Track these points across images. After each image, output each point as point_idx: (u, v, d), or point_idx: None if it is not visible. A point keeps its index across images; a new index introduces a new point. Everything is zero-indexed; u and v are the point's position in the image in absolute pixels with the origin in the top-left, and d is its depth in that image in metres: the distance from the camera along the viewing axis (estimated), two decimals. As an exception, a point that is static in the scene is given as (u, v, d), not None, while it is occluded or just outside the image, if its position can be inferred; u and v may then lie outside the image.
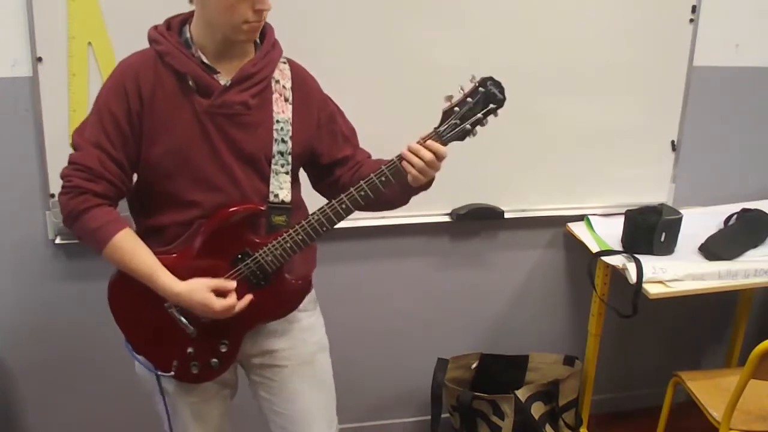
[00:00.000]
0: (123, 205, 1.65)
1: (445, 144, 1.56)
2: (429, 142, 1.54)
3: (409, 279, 2.58)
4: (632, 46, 2.42)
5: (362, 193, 1.57)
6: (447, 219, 2.48)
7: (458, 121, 1.56)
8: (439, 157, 1.55)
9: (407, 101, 2.24)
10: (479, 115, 1.56)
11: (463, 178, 2.41)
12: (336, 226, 1.61)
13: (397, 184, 1.58)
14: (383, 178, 1.56)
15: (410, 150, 1.54)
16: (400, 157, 1.55)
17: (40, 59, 2.04)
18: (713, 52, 2.50)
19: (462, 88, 1.57)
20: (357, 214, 2.06)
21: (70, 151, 1.57)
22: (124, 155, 1.55)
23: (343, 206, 1.58)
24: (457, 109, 1.56)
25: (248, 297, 1.59)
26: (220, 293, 1.55)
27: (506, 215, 2.50)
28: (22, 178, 2.17)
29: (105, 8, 2.03)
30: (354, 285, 2.53)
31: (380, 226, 2.39)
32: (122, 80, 1.54)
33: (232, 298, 1.56)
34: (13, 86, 2.08)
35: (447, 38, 2.28)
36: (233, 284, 1.57)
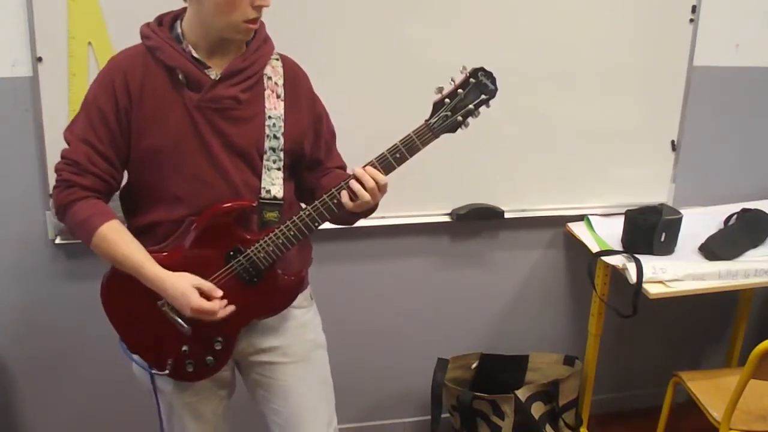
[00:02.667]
0: (117, 206, 1.65)
1: (436, 136, 1.56)
2: (371, 170, 1.54)
3: (409, 279, 2.57)
4: (632, 46, 2.42)
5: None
6: (447, 219, 2.47)
7: (449, 113, 1.55)
8: (381, 188, 1.55)
9: (402, 99, 2.23)
10: (471, 106, 1.55)
11: (463, 178, 2.41)
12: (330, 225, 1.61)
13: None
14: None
15: (355, 176, 1.54)
16: (342, 186, 1.55)
17: (40, 59, 2.04)
18: (713, 52, 2.50)
19: (453, 80, 1.56)
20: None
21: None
22: (113, 150, 1.55)
23: (335, 201, 1.57)
24: (448, 100, 1.55)
25: (230, 307, 1.58)
26: (205, 295, 1.54)
27: (506, 215, 2.50)
28: (22, 178, 2.17)
29: (105, 8, 2.03)
30: (354, 285, 2.53)
31: (380, 226, 2.39)
32: (110, 77, 1.54)
33: (213, 303, 1.54)
34: (13, 86, 2.08)
35: (445, 38, 2.27)
36: (220, 292, 1.56)
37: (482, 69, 1.56)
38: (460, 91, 1.55)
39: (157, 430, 1.79)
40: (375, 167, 1.56)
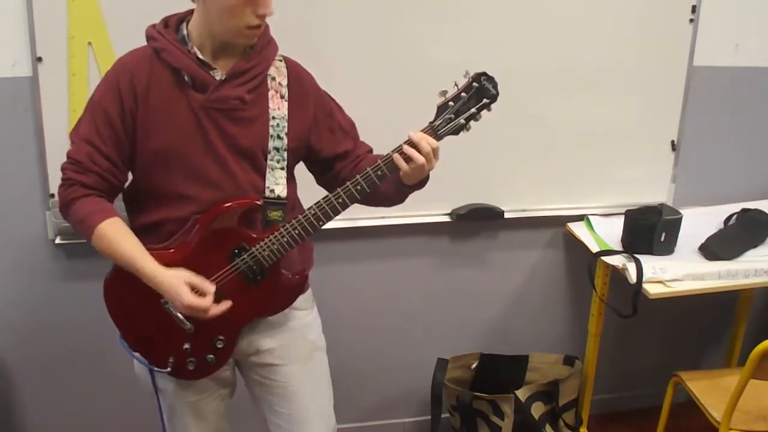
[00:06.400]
0: (121, 206, 1.66)
1: (439, 139, 1.58)
2: (425, 135, 1.56)
3: (409, 279, 2.58)
4: (632, 46, 2.42)
5: (358, 187, 1.58)
6: (447, 219, 2.48)
7: (453, 116, 1.58)
8: (435, 152, 1.56)
9: (404, 98, 2.24)
10: (473, 109, 1.58)
11: (463, 178, 2.41)
12: (333, 222, 1.61)
13: (393, 179, 1.59)
14: (379, 172, 1.57)
15: (410, 142, 1.55)
16: (396, 150, 1.56)
17: (40, 59, 2.04)
18: (713, 52, 2.50)
19: (456, 84, 1.59)
20: (357, 213, 2.06)
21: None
22: (115, 151, 1.56)
23: (340, 200, 1.58)
24: (451, 104, 1.58)
25: (226, 303, 1.57)
26: (198, 291, 1.54)
27: (506, 215, 2.50)
28: (22, 178, 2.17)
29: (105, 8, 2.03)
30: (354, 285, 2.53)
31: (380, 226, 2.39)
32: (116, 78, 1.56)
33: (206, 300, 1.53)
34: (13, 86, 2.08)
35: (446, 39, 2.27)
36: (212, 288, 1.56)
37: (484, 74, 1.58)
38: (463, 94, 1.58)
39: (158, 430, 1.79)
40: (429, 134, 1.56)
